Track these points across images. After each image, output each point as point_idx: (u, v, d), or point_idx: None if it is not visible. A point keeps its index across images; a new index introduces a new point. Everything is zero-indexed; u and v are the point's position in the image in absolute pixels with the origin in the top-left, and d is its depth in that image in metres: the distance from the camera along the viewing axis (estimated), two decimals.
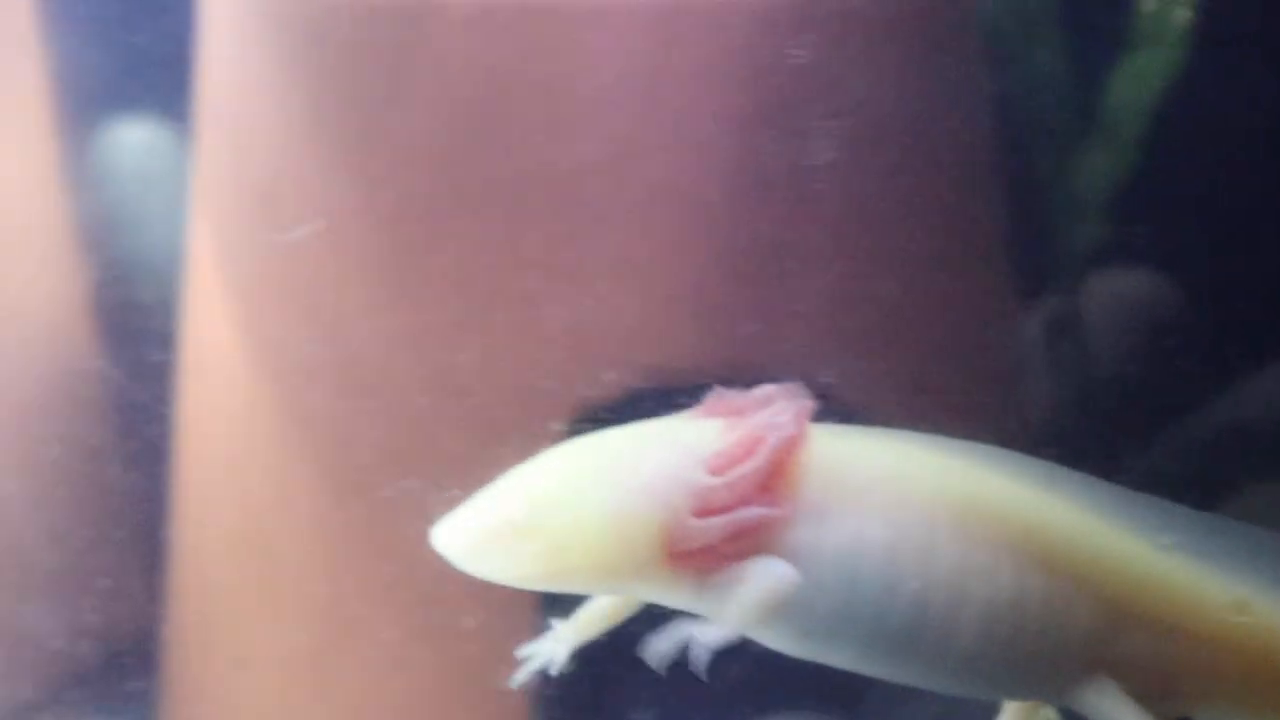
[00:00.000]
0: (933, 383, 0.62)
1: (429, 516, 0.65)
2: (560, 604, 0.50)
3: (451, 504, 0.46)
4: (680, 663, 0.45)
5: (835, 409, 0.48)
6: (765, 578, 0.46)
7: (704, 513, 0.45)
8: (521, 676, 0.50)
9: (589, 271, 0.62)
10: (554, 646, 0.50)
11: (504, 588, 0.46)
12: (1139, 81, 0.67)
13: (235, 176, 0.67)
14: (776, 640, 0.47)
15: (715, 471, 0.46)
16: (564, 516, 0.45)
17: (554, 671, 0.50)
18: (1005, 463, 0.50)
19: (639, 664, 0.45)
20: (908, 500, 0.48)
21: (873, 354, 0.61)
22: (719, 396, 0.48)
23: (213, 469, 0.68)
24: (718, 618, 0.46)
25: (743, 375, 0.49)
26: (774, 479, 0.46)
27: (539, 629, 0.51)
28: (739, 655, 0.46)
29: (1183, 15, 0.66)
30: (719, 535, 0.45)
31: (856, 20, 0.60)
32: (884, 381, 0.61)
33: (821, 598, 0.46)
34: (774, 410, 0.47)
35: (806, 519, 0.46)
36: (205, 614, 0.69)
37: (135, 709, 0.68)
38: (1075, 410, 0.67)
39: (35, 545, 0.70)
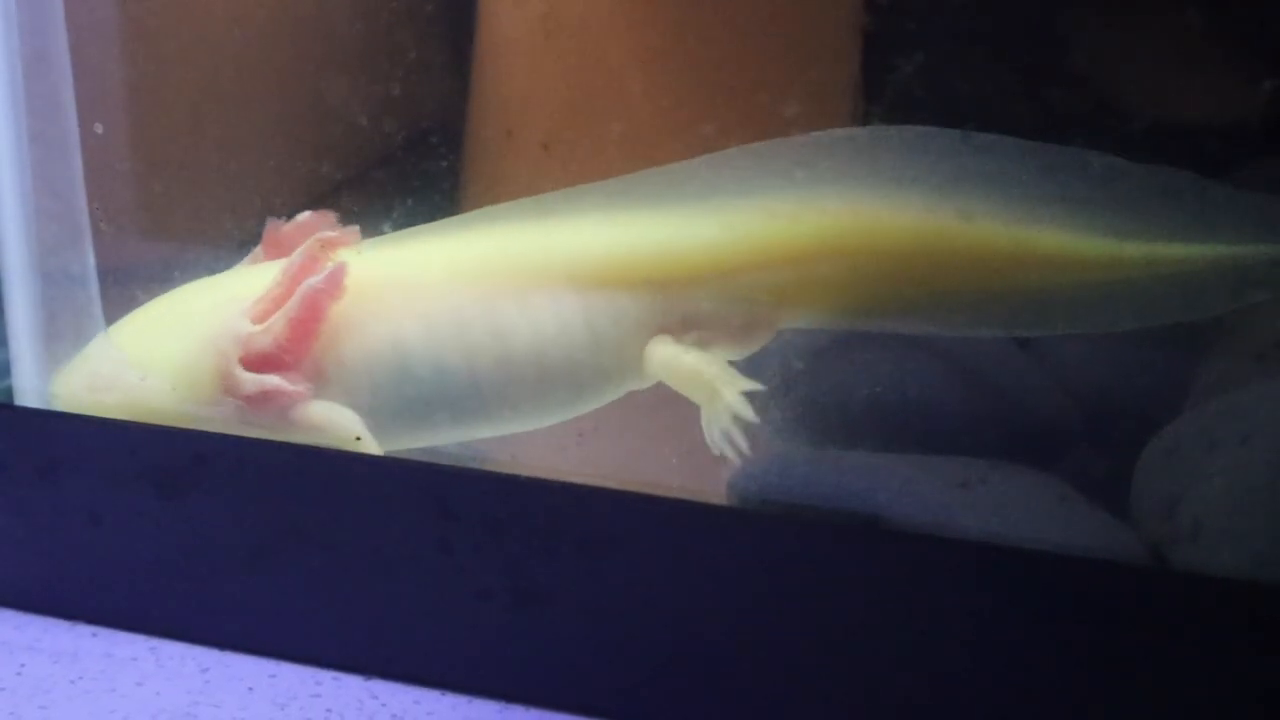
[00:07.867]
0: None
1: None
2: None
3: None
4: None
5: None
6: (334, 426, 0.53)
7: (249, 359, 0.53)
8: None
9: None
10: None
11: None
12: None
13: None
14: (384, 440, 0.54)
15: (256, 319, 0.53)
16: (137, 371, 0.54)
17: None
18: (538, 207, 0.56)
19: None
20: (434, 287, 0.54)
21: None
22: (272, 229, 0.55)
23: None
24: None
25: None
26: (310, 321, 0.52)
27: None
28: None
29: None
30: (249, 394, 0.53)
31: None
32: None
33: (392, 400, 0.54)
34: (308, 249, 0.53)
35: (353, 337, 0.53)
36: (513, 96, 0.67)
37: (437, 187, 0.67)
38: None
39: (341, 18, 0.69)
